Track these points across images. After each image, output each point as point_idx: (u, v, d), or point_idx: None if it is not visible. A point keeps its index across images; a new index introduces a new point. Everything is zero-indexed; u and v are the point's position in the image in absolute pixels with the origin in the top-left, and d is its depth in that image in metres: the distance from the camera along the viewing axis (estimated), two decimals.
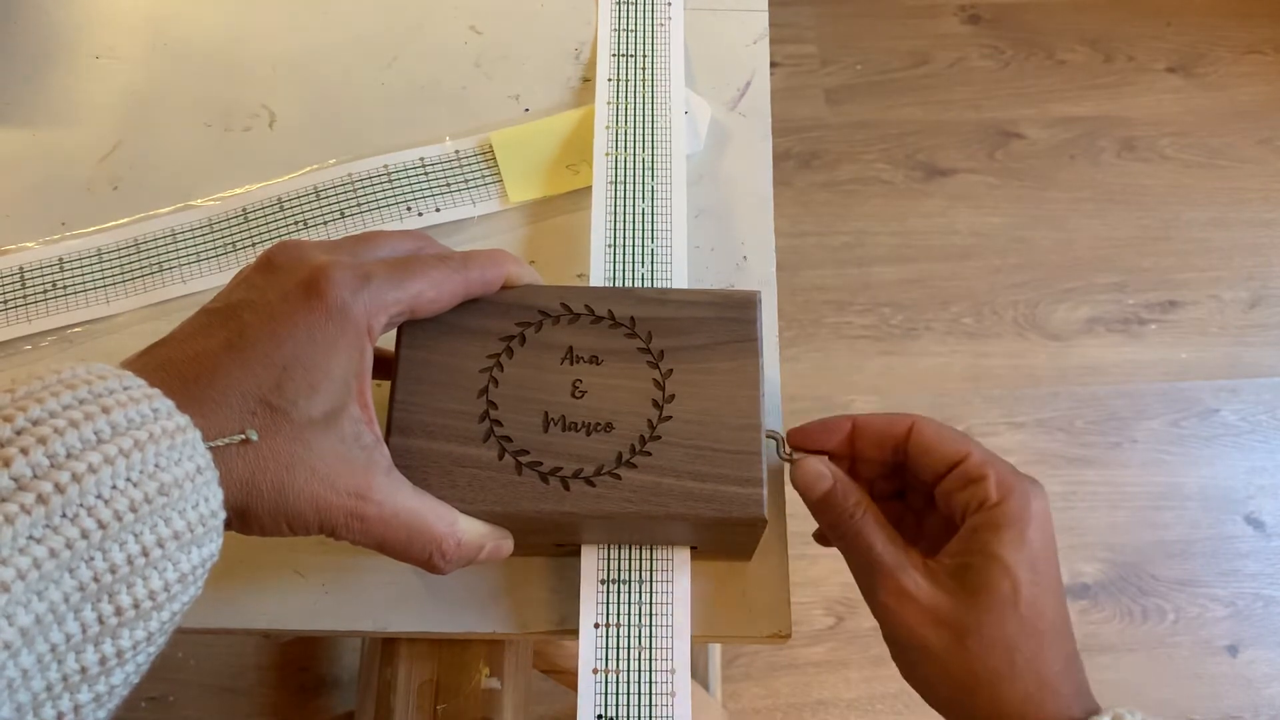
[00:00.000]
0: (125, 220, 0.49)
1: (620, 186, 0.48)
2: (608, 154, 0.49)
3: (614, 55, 0.52)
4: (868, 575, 0.38)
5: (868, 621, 1.11)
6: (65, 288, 0.47)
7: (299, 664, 1.09)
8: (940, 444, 0.39)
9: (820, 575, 1.15)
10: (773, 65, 0.80)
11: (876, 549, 0.38)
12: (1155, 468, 1.23)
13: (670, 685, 0.39)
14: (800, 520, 0.43)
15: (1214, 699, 1.12)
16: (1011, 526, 0.36)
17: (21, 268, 0.48)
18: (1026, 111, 1.43)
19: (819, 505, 0.40)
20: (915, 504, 0.42)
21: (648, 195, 0.48)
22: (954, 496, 0.38)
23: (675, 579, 0.40)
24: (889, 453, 0.41)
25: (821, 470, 0.39)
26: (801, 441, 0.41)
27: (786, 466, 0.42)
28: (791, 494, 0.42)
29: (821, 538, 0.43)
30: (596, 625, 0.40)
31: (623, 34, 0.52)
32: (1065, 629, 0.37)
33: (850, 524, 0.39)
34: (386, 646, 0.45)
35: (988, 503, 0.37)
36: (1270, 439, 1.25)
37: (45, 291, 0.47)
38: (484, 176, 0.50)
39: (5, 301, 0.47)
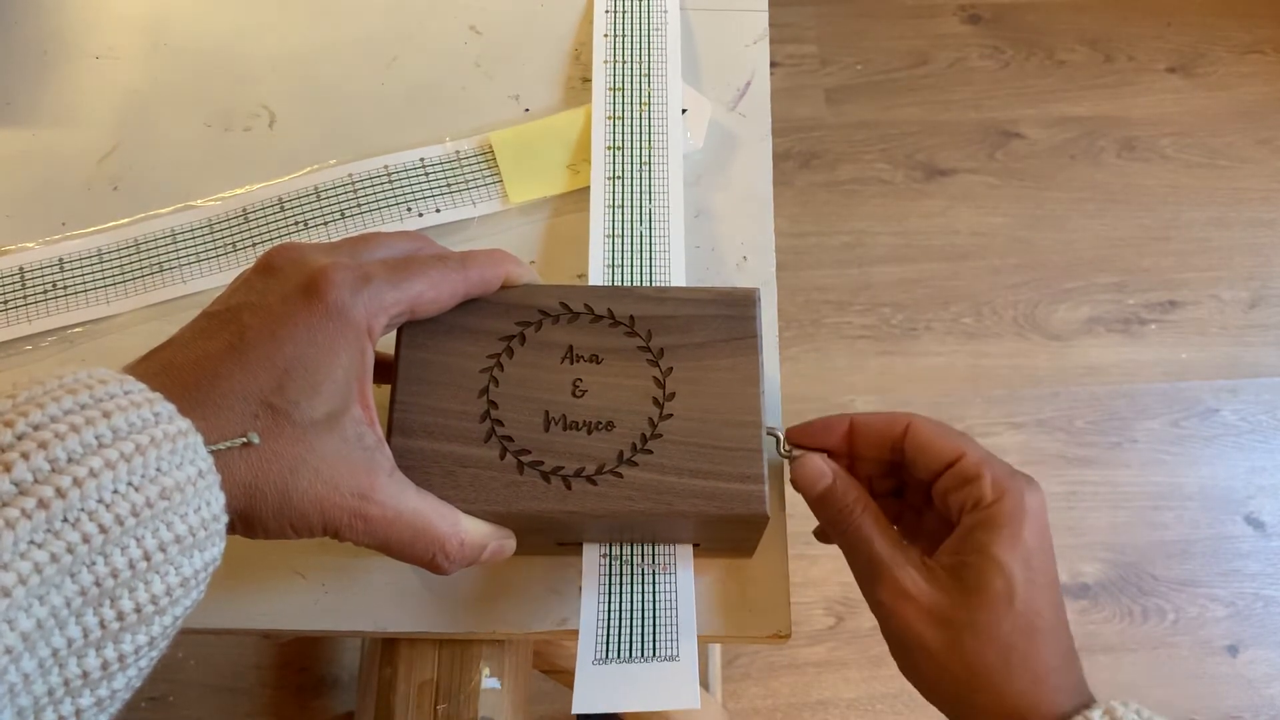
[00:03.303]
0: (125, 220, 0.49)
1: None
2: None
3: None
4: (867, 573, 0.38)
5: (868, 621, 1.11)
6: (65, 288, 0.47)
7: (299, 664, 1.09)
8: (937, 442, 0.39)
9: (820, 575, 1.15)
10: (773, 65, 0.80)
11: (875, 547, 0.38)
12: (1155, 468, 1.23)
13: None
14: (800, 520, 0.43)
15: (1214, 699, 1.12)
16: (1006, 525, 0.36)
17: (21, 268, 0.48)
18: (1026, 111, 1.43)
19: (819, 502, 0.40)
20: (914, 502, 0.42)
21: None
22: (950, 495, 0.38)
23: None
24: (887, 451, 0.41)
25: (822, 467, 0.39)
26: (800, 439, 0.41)
27: (786, 465, 0.42)
28: (791, 493, 0.42)
29: (822, 534, 0.43)
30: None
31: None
32: (1062, 626, 0.37)
33: (850, 520, 0.39)
34: (386, 646, 0.45)
35: (983, 502, 0.37)
36: (1270, 439, 1.25)
37: (45, 292, 0.47)
38: (484, 177, 0.50)
39: (5, 302, 0.47)
